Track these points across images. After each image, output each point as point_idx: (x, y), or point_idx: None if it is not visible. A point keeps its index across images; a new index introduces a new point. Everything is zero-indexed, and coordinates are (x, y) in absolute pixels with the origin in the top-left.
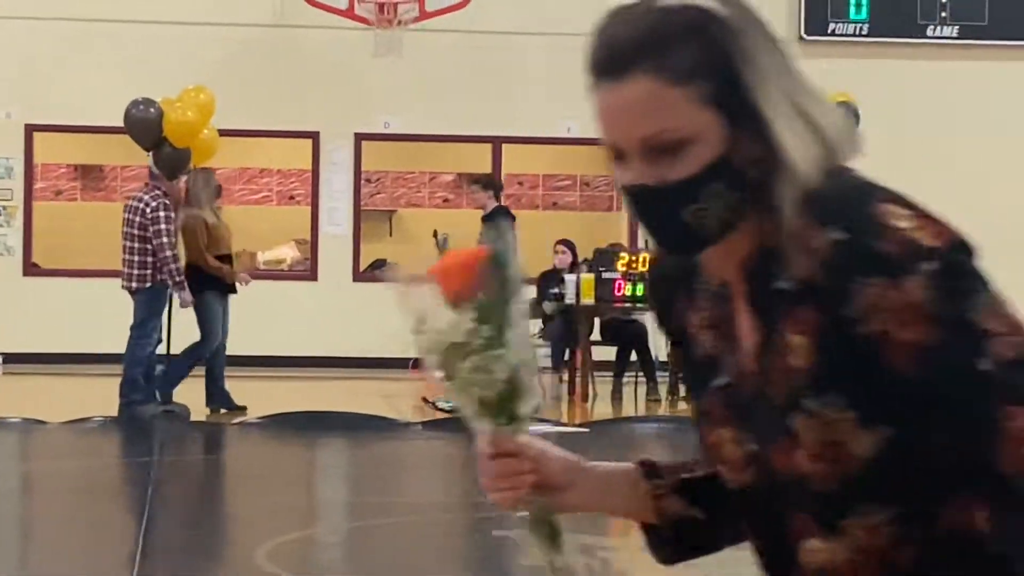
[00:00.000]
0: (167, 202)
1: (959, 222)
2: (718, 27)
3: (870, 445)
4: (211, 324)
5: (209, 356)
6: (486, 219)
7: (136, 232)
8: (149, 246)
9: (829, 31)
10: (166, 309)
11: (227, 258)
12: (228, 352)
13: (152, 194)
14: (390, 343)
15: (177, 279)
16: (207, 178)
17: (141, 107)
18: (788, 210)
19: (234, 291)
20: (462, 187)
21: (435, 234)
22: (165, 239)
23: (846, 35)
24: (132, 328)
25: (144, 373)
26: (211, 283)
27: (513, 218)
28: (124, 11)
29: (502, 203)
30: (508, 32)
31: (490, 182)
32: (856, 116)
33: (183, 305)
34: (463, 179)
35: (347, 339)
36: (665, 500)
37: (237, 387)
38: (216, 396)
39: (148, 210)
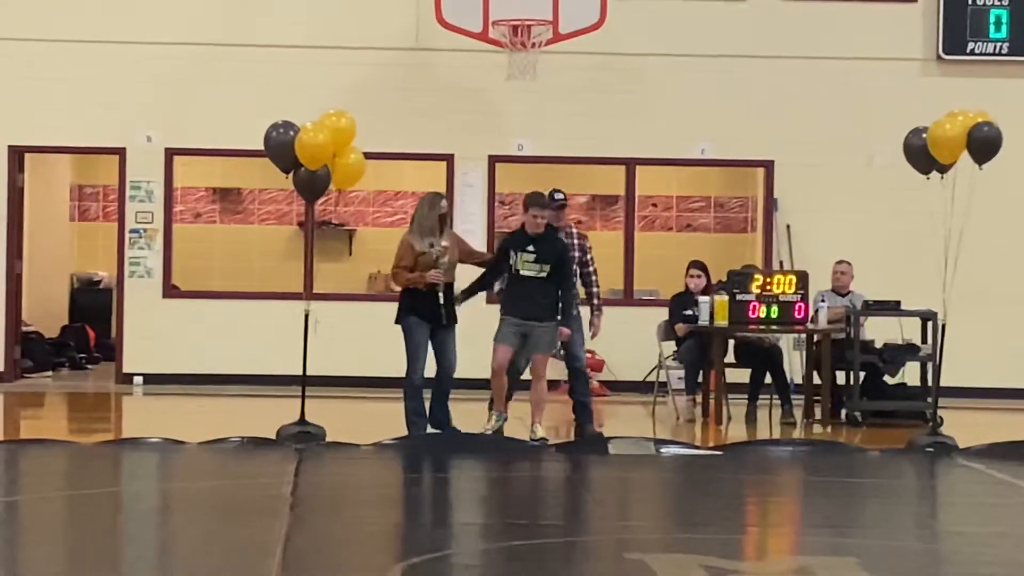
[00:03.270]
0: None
1: None
2: None
3: None
4: (408, 351)
5: (436, 381)
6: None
7: None
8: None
9: (968, 50)
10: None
11: (447, 287)
12: (364, 373)
13: None
14: (526, 364)
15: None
16: (427, 202)
17: (281, 130)
18: None
19: (440, 322)
20: (596, 209)
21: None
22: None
23: (985, 54)
24: None
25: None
26: (413, 311)
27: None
28: (264, 35)
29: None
30: (642, 53)
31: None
32: (999, 135)
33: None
34: (597, 201)
35: (482, 360)
36: None
37: (374, 408)
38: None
39: None
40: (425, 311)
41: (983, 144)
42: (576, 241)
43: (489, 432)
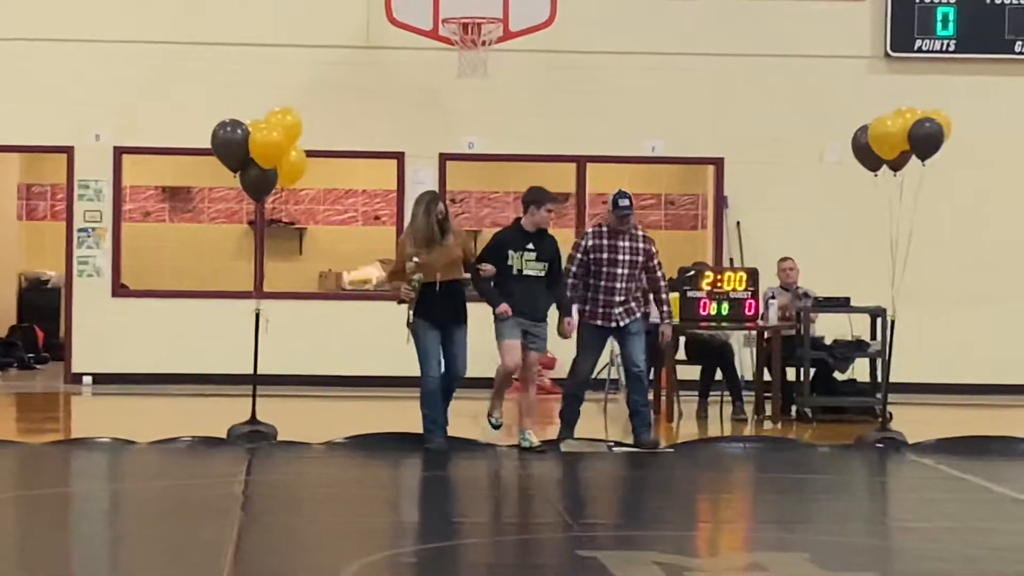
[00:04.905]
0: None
1: None
2: None
3: None
4: (419, 359)
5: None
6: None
7: None
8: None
9: (915, 47)
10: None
11: (430, 285)
12: (315, 372)
13: None
14: (478, 363)
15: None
16: (421, 209)
17: (228, 128)
18: None
19: (448, 321)
20: None
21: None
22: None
23: (933, 51)
24: None
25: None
26: (418, 313)
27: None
28: (212, 34)
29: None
30: (592, 51)
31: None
32: (940, 131)
33: None
34: None
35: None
36: None
37: (323, 407)
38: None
39: None
40: (430, 312)
41: (924, 140)
42: (642, 245)
43: (495, 423)
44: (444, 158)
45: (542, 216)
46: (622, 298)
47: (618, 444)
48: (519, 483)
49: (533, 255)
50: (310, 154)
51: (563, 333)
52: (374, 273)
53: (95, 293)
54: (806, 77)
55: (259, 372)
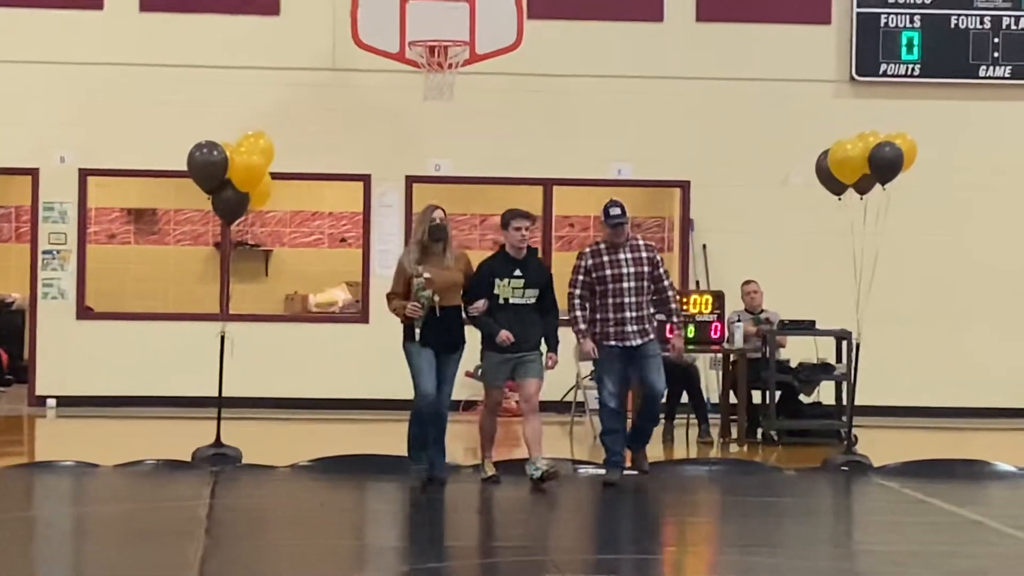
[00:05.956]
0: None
1: (1010, 257)
2: None
3: None
4: (413, 378)
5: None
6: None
7: None
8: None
9: (880, 71)
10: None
11: (430, 309)
12: (280, 394)
13: None
14: (456, 388)
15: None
16: (417, 216)
17: (204, 150)
18: None
19: (443, 348)
20: None
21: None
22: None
23: (898, 75)
24: None
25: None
26: (412, 336)
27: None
28: (178, 56)
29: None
30: (559, 74)
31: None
32: (899, 155)
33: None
34: None
35: (399, 382)
36: None
37: (288, 429)
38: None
39: None
40: (424, 336)
41: (884, 164)
42: (644, 254)
43: (487, 476)
44: (411, 180)
45: (513, 236)
46: (634, 314)
47: (586, 464)
48: (487, 507)
49: (521, 281)
50: (276, 176)
51: (547, 368)
52: (340, 295)
53: (60, 315)
54: (772, 101)
55: (224, 394)
